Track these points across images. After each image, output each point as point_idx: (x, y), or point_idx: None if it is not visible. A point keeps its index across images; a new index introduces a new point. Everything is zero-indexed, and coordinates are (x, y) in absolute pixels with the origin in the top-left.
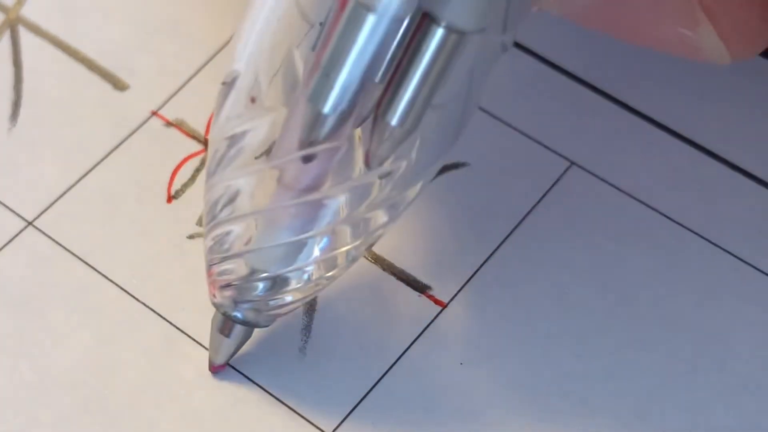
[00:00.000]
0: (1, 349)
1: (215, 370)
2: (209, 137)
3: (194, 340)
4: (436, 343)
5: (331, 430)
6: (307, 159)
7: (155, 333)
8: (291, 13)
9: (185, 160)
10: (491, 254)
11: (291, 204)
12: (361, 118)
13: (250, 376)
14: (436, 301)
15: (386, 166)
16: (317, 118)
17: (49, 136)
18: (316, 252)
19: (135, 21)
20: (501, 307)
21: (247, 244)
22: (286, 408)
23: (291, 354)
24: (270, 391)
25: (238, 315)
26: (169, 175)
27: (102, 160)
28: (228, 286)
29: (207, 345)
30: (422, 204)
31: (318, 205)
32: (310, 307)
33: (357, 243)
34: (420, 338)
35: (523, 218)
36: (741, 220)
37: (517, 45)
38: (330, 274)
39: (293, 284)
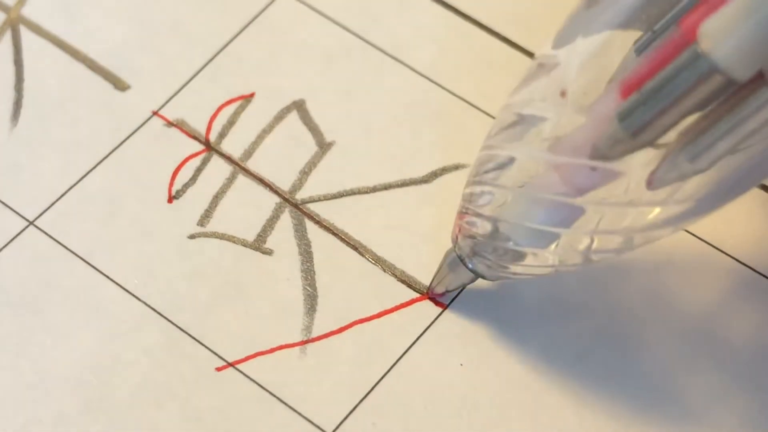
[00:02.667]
0: (2, 348)
1: (432, 296)
2: (505, 104)
3: (195, 339)
4: (437, 343)
5: (332, 429)
6: (591, 168)
7: (156, 332)
8: (631, 23)
9: (186, 160)
10: None
11: (554, 198)
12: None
13: (250, 376)
14: (437, 303)
15: (664, 195)
16: (620, 138)
17: (50, 135)
18: (556, 245)
19: (136, 21)
20: (501, 308)
21: (498, 210)
22: (287, 407)
23: (292, 354)
24: (271, 390)
25: (470, 264)
26: (170, 175)
27: (103, 159)
28: (471, 237)
29: (209, 345)
30: (422, 206)
31: (577, 210)
32: (311, 307)
33: (591, 255)
34: (420, 339)
35: None
36: (740, 223)
37: (518, 47)
38: (563, 266)
39: (528, 260)
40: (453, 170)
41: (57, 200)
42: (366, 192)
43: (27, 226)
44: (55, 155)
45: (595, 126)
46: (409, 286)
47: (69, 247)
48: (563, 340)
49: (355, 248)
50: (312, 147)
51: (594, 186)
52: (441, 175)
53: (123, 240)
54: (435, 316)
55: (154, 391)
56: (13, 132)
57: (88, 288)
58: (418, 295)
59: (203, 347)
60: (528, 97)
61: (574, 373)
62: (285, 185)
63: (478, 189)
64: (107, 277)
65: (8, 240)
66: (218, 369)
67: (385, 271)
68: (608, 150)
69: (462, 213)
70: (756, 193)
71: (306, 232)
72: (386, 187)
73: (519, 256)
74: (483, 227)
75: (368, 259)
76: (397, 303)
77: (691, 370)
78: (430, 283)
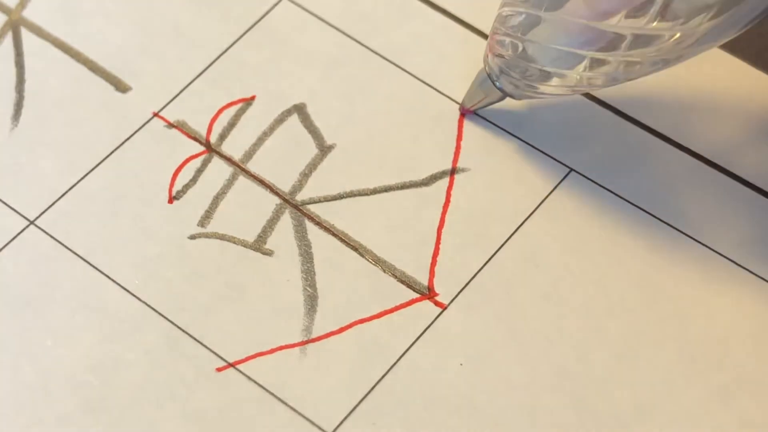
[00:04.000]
0: (3, 348)
1: (464, 111)
2: None
3: (195, 339)
4: (437, 343)
5: (332, 429)
6: None
7: (157, 332)
8: None
9: (186, 161)
10: (491, 257)
11: (581, 21)
12: None
13: (251, 376)
14: (437, 303)
15: (676, 25)
16: None
17: (51, 136)
18: (582, 67)
19: (137, 24)
20: (500, 308)
21: (528, 32)
22: (287, 407)
23: (292, 354)
24: (271, 390)
25: (498, 83)
26: (170, 175)
27: (103, 160)
28: (501, 56)
29: (209, 345)
30: (422, 208)
31: (603, 34)
32: (311, 307)
33: (617, 73)
34: (420, 339)
35: (523, 222)
36: (736, 225)
37: None
38: (588, 85)
39: (553, 81)
40: (452, 173)
41: (58, 200)
42: (366, 194)
43: (28, 226)
44: (56, 155)
45: None
46: (409, 286)
47: (70, 246)
48: (562, 341)
49: (355, 249)
50: (312, 149)
51: (617, 9)
52: (440, 178)
53: (124, 240)
54: (435, 317)
55: (154, 391)
56: (14, 132)
57: (88, 288)
58: (417, 295)
59: (204, 347)
60: None
61: (574, 372)
62: (285, 187)
63: (510, 10)
64: (108, 277)
65: (9, 239)
66: (218, 369)
67: (384, 271)
68: None
69: (494, 34)
70: (751, 197)
71: (306, 233)
72: (386, 189)
73: (545, 77)
74: (513, 47)
75: (368, 260)
76: (397, 303)
77: (688, 370)
78: (462, 102)
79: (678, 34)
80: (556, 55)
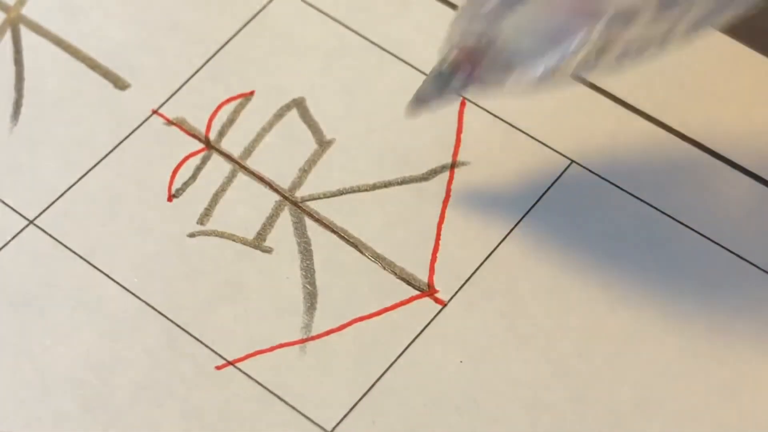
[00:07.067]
0: (3, 347)
1: (416, 108)
2: None
3: (195, 338)
4: (436, 341)
5: (332, 427)
6: None
7: (156, 331)
8: None
9: (186, 158)
10: (491, 252)
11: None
12: None
13: (250, 374)
14: (436, 300)
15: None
16: None
17: (51, 134)
18: (575, 46)
19: (136, 20)
20: (501, 304)
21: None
22: (287, 405)
23: (292, 352)
24: (271, 388)
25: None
26: (169, 173)
27: (103, 158)
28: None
29: (209, 343)
30: (422, 203)
31: (582, 19)
32: (311, 305)
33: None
34: (420, 336)
35: (523, 216)
36: (739, 217)
37: None
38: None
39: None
40: (452, 168)
41: (57, 199)
42: (366, 190)
43: (27, 225)
44: (55, 154)
45: None
46: (409, 283)
47: (69, 246)
48: (563, 337)
49: (354, 246)
50: (312, 145)
51: None
52: (440, 172)
53: (123, 238)
54: (434, 314)
55: (154, 390)
56: (13, 131)
57: (88, 287)
58: (417, 292)
59: (203, 346)
60: None
61: (575, 368)
62: (285, 183)
63: None
64: (107, 275)
65: (8, 239)
66: (218, 367)
67: (384, 268)
68: None
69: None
70: (754, 187)
71: (306, 230)
72: (386, 184)
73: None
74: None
75: (368, 257)
76: (397, 300)
77: (689, 366)
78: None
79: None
80: (540, 41)
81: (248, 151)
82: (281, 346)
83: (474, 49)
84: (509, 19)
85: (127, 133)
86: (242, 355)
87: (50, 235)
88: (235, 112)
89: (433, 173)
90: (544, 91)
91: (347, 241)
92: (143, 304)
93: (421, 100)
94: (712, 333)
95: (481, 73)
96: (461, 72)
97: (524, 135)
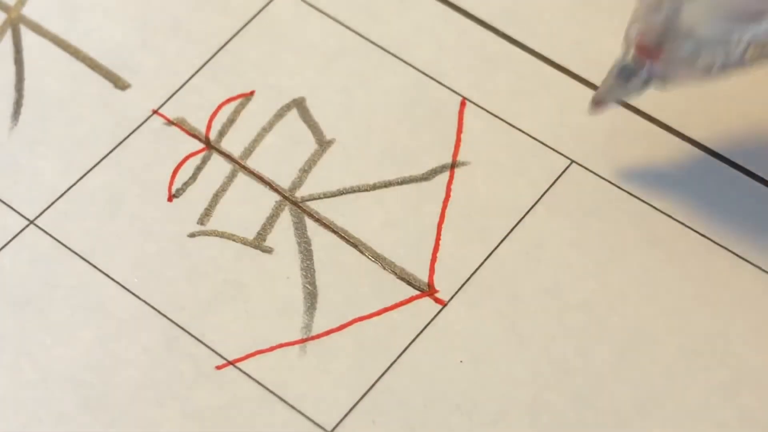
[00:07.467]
0: (3, 347)
1: (597, 107)
2: None
3: (195, 338)
4: (437, 340)
5: (332, 427)
6: None
7: (156, 331)
8: None
9: (186, 158)
10: (491, 252)
11: None
12: None
13: (250, 374)
14: (437, 300)
15: None
16: None
17: (51, 134)
18: (744, 43)
19: (136, 20)
20: (501, 304)
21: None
22: (287, 405)
23: (292, 352)
24: (271, 388)
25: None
26: (170, 173)
27: (103, 158)
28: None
29: (209, 343)
30: (422, 203)
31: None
32: (311, 305)
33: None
34: (420, 336)
35: (524, 216)
36: (740, 218)
37: (518, 44)
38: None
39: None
40: (452, 167)
41: (57, 199)
42: (366, 190)
43: (27, 225)
44: (56, 154)
45: None
46: (409, 283)
47: (69, 245)
48: (563, 337)
49: (355, 246)
50: (312, 145)
51: None
52: (441, 172)
53: (123, 239)
54: (435, 314)
55: (153, 390)
56: (13, 131)
57: (88, 287)
58: (417, 292)
59: (203, 346)
60: None
61: (575, 368)
62: (285, 183)
63: None
64: (107, 275)
65: (9, 239)
66: (218, 367)
67: (384, 268)
68: None
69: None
70: (756, 189)
71: (306, 230)
72: (386, 184)
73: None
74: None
75: (368, 257)
76: (397, 300)
77: (690, 366)
78: (596, 97)
79: None
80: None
81: (248, 151)
82: (281, 346)
83: (655, 41)
84: (689, 8)
85: (127, 133)
86: (242, 355)
87: (50, 235)
88: (236, 112)
89: (433, 173)
90: (726, 79)
91: (347, 241)
92: (143, 304)
93: (604, 99)
94: (712, 333)
95: (664, 64)
96: (645, 65)
97: (524, 135)
